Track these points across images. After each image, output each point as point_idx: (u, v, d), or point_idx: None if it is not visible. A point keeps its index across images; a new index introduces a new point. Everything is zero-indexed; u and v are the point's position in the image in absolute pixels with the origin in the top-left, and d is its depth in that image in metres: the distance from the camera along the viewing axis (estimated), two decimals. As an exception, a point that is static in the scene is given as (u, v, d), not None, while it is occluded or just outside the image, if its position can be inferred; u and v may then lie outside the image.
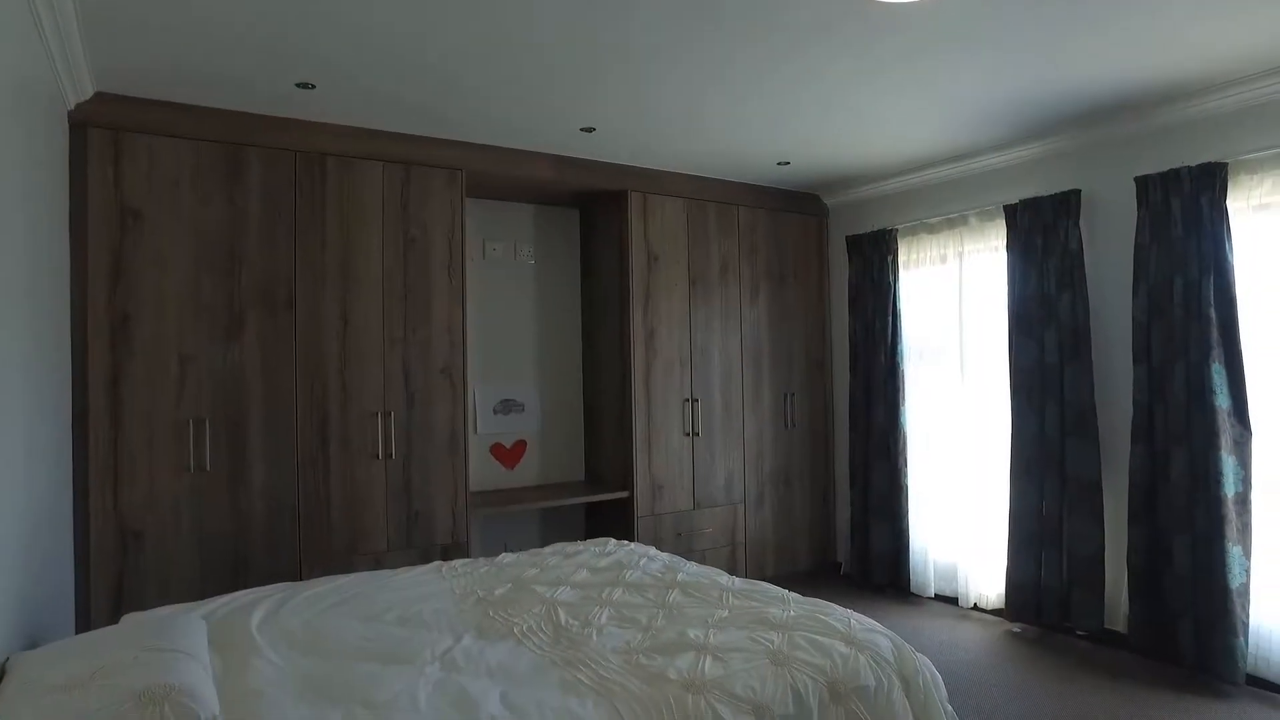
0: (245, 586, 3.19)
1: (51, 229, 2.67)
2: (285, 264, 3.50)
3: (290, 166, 3.52)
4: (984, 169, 4.34)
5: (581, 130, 3.82)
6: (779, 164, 4.49)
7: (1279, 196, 3.26)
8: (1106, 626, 3.79)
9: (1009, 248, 4.10)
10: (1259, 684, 3.30)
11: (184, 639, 1.93)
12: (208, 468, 3.29)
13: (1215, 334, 3.33)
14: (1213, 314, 3.34)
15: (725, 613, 2.37)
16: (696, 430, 4.64)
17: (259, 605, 2.48)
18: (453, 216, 3.92)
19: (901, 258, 4.76)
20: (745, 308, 4.89)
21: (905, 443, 4.71)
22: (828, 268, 5.31)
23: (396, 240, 3.77)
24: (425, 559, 3.73)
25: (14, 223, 2.08)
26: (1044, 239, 3.96)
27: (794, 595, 2.55)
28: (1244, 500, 3.29)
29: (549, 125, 3.73)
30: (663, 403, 4.54)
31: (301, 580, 3.21)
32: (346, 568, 3.55)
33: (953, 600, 4.52)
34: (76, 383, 3.08)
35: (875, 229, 4.86)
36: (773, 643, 2.13)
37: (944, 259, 4.55)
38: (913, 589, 4.68)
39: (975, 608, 4.39)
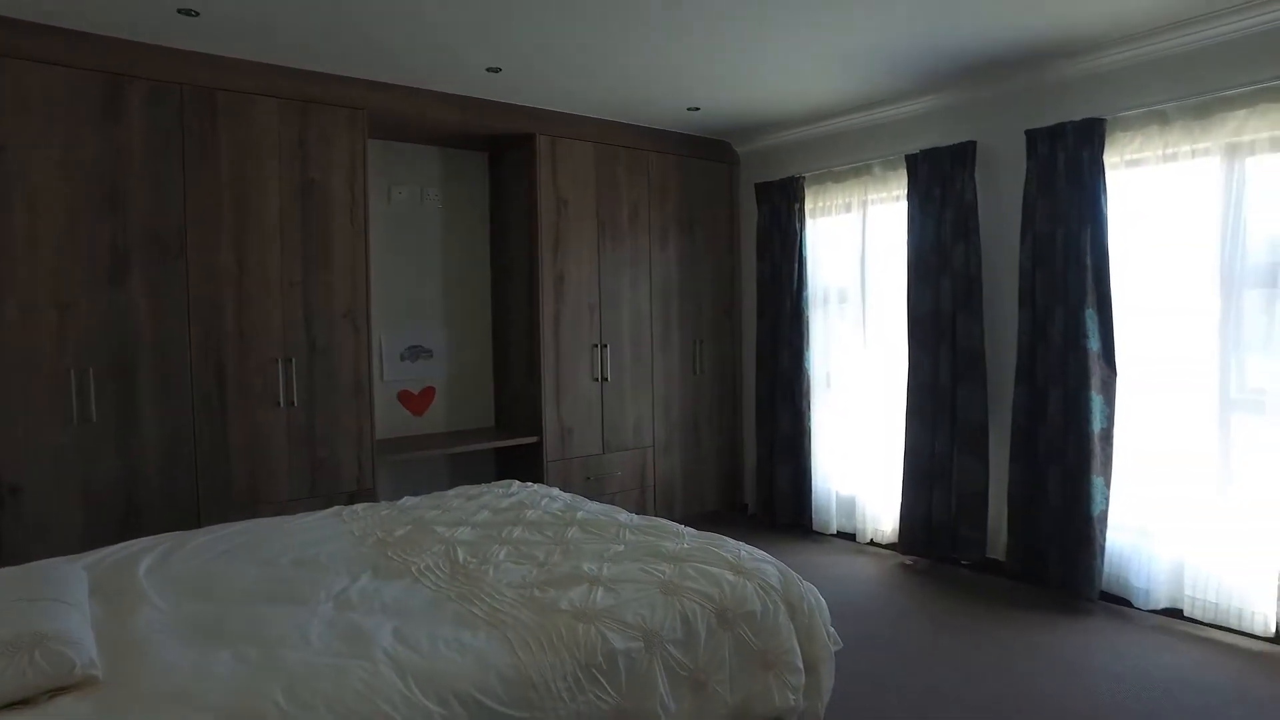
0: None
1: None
2: (174, 206, 3.34)
3: (177, 101, 3.34)
4: (887, 119, 4.44)
5: (488, 71, 3.74)
6: (689, 109, 4.50)
7: (1149, 153, 3.45)
8: (989, 556, 4.05)
9: (909, 197, 4.22)
10: (1111, 599, 3.62)
11: (61, 588, 1.89)
12: (93, 419, 3.17)
13: (1090, 281, 3.54)
14: (1089, 262, 3.54)
15: (621, 547, 2.44)
16: (606, 375, 4.69)
17: (147, 554, 2.43)
18: (354, 158, 3.80)
19: (808, 205, 4.85)
20: (655, 254, 4.92)
21: (809, 386, 4.86)
22: (737, 215, 5.37)
23: (295, 182, 3.64)
24: (330, 507, 3.69)
25: None
26: (942, 189, 4.10)
27: (689, 530, 2.64)
28: (1108, 436, 3.54)
29: (454, 65, 3.64)
30: (572, 348, 4.56)
31: (198, 529, 3.15)
32: (248, 518, 3.49)
33: (852, 536, 4.74)
34: (-59, 327, 2.91)
35: (783, 177, 4.93)
36: (664, 573, 2.21)
37: (849, 207, 4.66)
38: (815, 527, 4.88)
39: (872, 543, 4.63)
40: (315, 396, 3.71)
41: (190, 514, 3.38)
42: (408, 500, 3.17)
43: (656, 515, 4.75)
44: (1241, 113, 3.16)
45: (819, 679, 2.25)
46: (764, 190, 5.05)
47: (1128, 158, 3.51)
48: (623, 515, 2.83)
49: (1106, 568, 3.59)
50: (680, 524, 2.77)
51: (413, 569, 2.32)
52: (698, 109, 4.49)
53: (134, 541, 2.61)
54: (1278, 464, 3.10)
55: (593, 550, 2.42)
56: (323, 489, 3.75)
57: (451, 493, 3.28)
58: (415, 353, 4.54)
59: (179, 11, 2.96)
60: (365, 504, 3.17)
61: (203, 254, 3.40)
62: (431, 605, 2.05)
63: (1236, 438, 3.29)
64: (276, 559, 2.42)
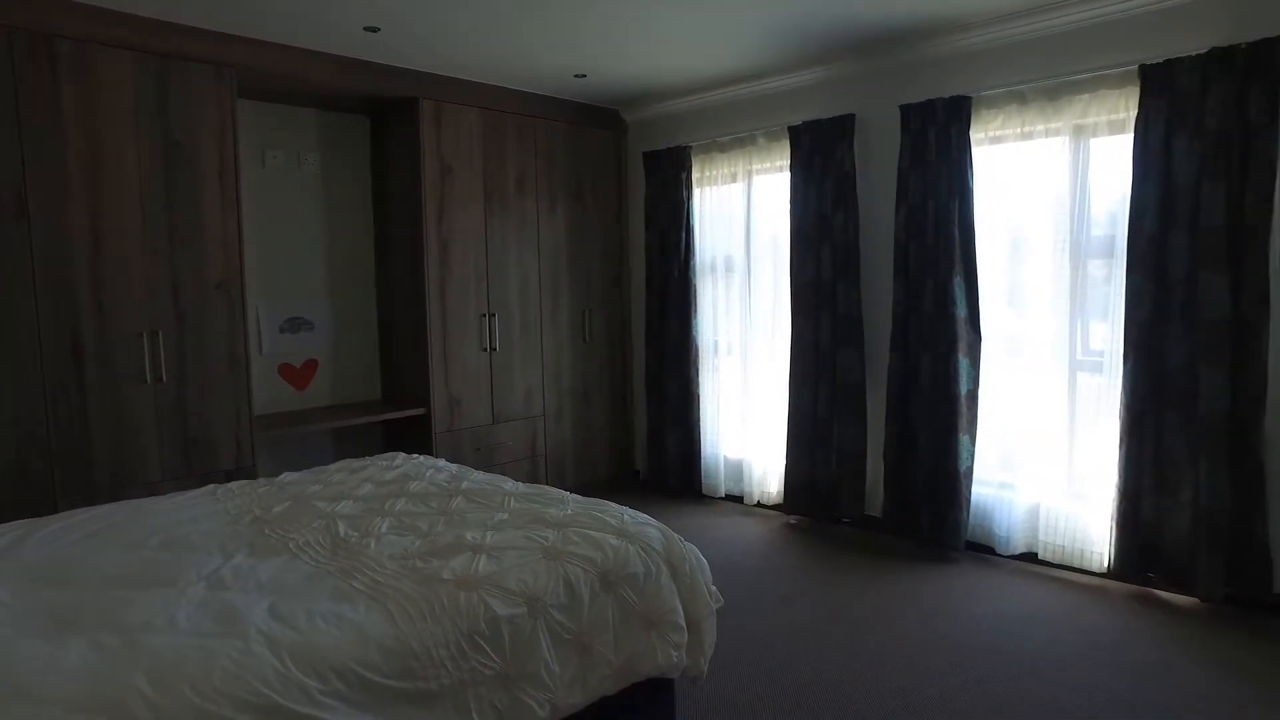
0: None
1: None
2: (11, 166, 3.07)
3: (6, 47, 3.05)
4: (771, 91, 4.53)
5: (366, 30, 3.60)
6: (576, 76, 4.46)
7: (1009, 130, 3.66)
8: (867, 514, 4.27)
9: (792, 167, 4.34)
10: (977, 548, 3.89)
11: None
12: (-71, 396, 2.92)
13: (958, 251, 3.74)
14: (956, 234, 3.74)
15: (505, 515, 2.45)
16: (494, 345, 4.65)
17: (-7, 542, 2.28)
18: (223, 119, 3.59)
19: (695, 175, 4.91)
20: (543, 222, 4.88)
21: (698, 354, 4.97)
22: (626, 183, 5.39)
23: (158, 144, 3.42)
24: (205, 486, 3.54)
25: None
26: (823, 160, 4.22)
27: (574, 496, 2.67)
28: (974, 396, 3.78)
29: (329, 22, 3.48)
30: (459, 318, 4.49)
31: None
32: (114, 501, 3.31)
33: (740, 499, 4.90)
34: None
35: (671, 146, 4.97)
36: (548, 539, 2.24)
37: (734, 177, 4.75)
38: (705, 491, 5.02)
39: (759, 504, 4.80)
40: (187, 371, 3.53)
41: (46, 499, 3.17)
42: (287, 476, 3.07)
43: (549, 484, 4.78)
44: (1085, 97, 3.40)
45: (701, 636, 2.33)
46: (652, 159, 5.08)
47: (991, 134, 3.72)
48: (508, 484, 2.84)
49: (971, 519, 3.85)
50: (569, 491, 2.80)
51: (291, 545, 2.26)
52: (585, 76, 4.45)
53: (-23, 530, 2.43)
54: (1112, 418, 3.39)
55: (477, 519, 2.42)
56: (198, 468, 3.58)
57: (334, 467, 3.20)
58: (296, 324, 4.37)
59: (12, -47, 2.72)
60: (242, 481, 3.05)
61: (51, 219, 3.16)
62: (310, 581, 2.01)
63: (1081, 395, 3.58)
64: (144, 541, 2.30)
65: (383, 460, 3.26)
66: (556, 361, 5.00)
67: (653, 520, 2.47)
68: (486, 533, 2.29)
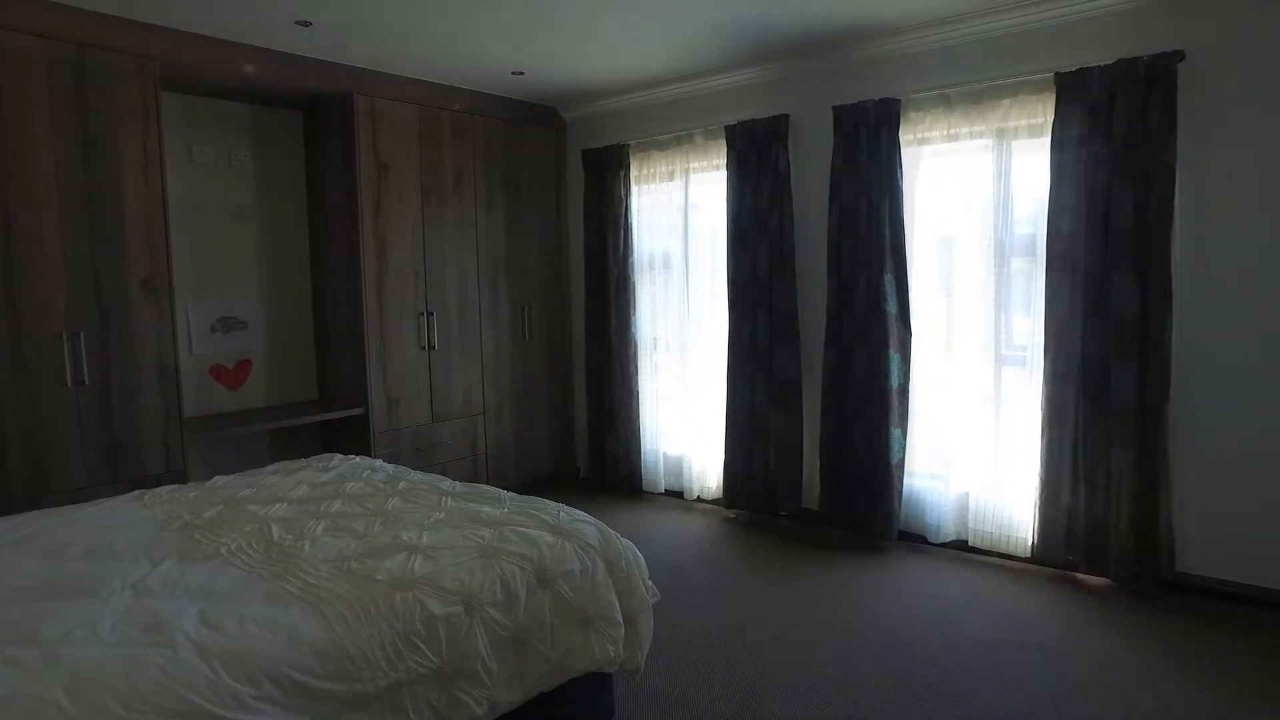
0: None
1: None
2: (-81, 159, 2.94)
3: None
4: (709, 90, 4.59)
5: (297, 24, 3.53)
6: (513, 74, 4.44)
7: (936, 132, 3.78)
8: (804, 506, 4.36)
9: (728, 166, 4.40)
10: (910, 537, 4.02)
11: None
12: None
13: (888, 249, 3.85)
14: (887, 232, 3.85)
15: (441, 515, 2.45)
16: (433, 344, 4.61)
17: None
18: (146, 112, 3.48)
19: (634, 173, 4.93)
20: (481, 221, 4.86)
21: (636, 351, 5.00)
22: (565, 181, 5.39)
23: (74, 136, 3.30)
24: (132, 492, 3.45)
25: None
26: (759, 159, 4.29)
27: (512, 495, 2.68)
28: (904, 390, 3.90)
29: (258, 13, 3.40)
30: (396, 316, 4.44)
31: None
32: (32, 510, 3.19)
33: (680, 494, 4.96)
34: None
35: (609, 144, 4.98)
36: (484, 538, 2.25)
37: (672, 175, 4.79)
38: (645, 487, 5.06)
39: (699, 499, 4.86)
40: (111, 373, 3.42)
41: (-40, 507, 3.05)
42: (219, 480, 3.01)
43: (490, 483, 4.77)
44: (1007, 101, 3.53)
45: (638, 630, 2.37)
46: (590, 157, 5.09)
47: (919, 136, 3.83)
48: (445, 483, 2.83)
49: (904, 509, 3.97)
50: (509, 490, 2.81)
51: (222, 550, 2.23)
52: (523, 73, 4.44)
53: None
54: (1034, 410, 3.54)
55: (413, 520, 2.41)
56: (125, 474, 3.48)
57: (268, 469, 3.14)
58: (228, 324, 4.27)
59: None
60: (171, 486, 2.98)
61: (-39, 217, 3.03)
62: (242, 586, 1.98)
63: (1006, 388, 3.72)
64: (63, 550, 2.24)
65: (319, 462, 3.22)
66: (496, 359, 4.99)
67: (589, 517, 2.50)
68: (423, 533, 2.29)
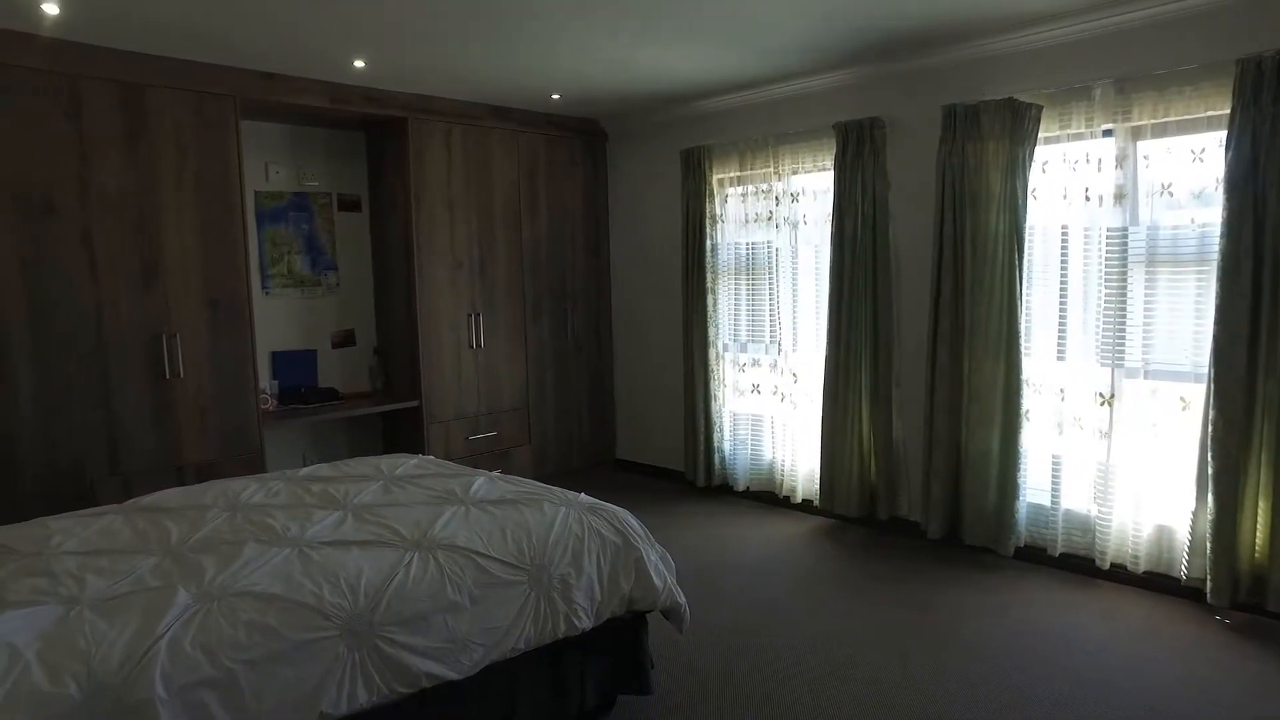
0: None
1: None
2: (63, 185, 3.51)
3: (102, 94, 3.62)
4: (804, 91, 4.51)
5: (355, 64, 3.99)
6: (553, 97, 4.84)
7: (1061, 130, 3.64)
8: (905, 515, 4.34)
9: (836, 165, 4.32)
10: (1025, 555, 3.91)
11: None
12: None
13: (1001, 250, 3.76)
14: (1001, 232, 3.76)
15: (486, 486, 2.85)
16: (481, 342, 5.07)
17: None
18: (230, 141, 4.00)
19: (716, 175, 4.99)
20: (526, 226, 5.28)
21: (724, 349, 5.13)
22: (606, 187, 5.77)
23: (187, 167, 3.88)
24: (239, 468, 4.01)
25: None
26: (857, 159, 4.24)
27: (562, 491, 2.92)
28: (1018, 396, 3.80)
29: (322, 56, 3.87)
30: (449, 316, 4.90)
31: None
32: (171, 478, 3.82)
33: (770, 495, 5.02)
34: None
35: (684, 148, 5.11)
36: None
37: (766, 176, 4.77)
38: (736, 487, 5.14)
39: (790, 502, 4.86)
40: (217, 364, 4.01)
41: (86, 490, 3.65)
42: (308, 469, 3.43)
43: (533, 472, 5.21)
44: (1156, 93, 3.36)
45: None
46: (683, 158, 5.13)
47: (1044, 135, 3.67)
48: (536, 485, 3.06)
49: (1021, 523, 3.87)
50: (550, 482, 3.08)
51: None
52: (559, 97, 4.83)
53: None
54: (1190, 428, 3.32)
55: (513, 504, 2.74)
56: (233, 451, 4.06)
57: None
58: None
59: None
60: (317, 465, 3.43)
61: (82, 230, 3.59)
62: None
63: (1132, 399, 3.58)
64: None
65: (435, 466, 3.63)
66: (539, 357, 5.41)
67: (613, 506, 2.77)
68: (523, 509, 2.70)
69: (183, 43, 3.60)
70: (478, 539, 2.38)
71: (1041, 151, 3.73)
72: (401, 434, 4.93)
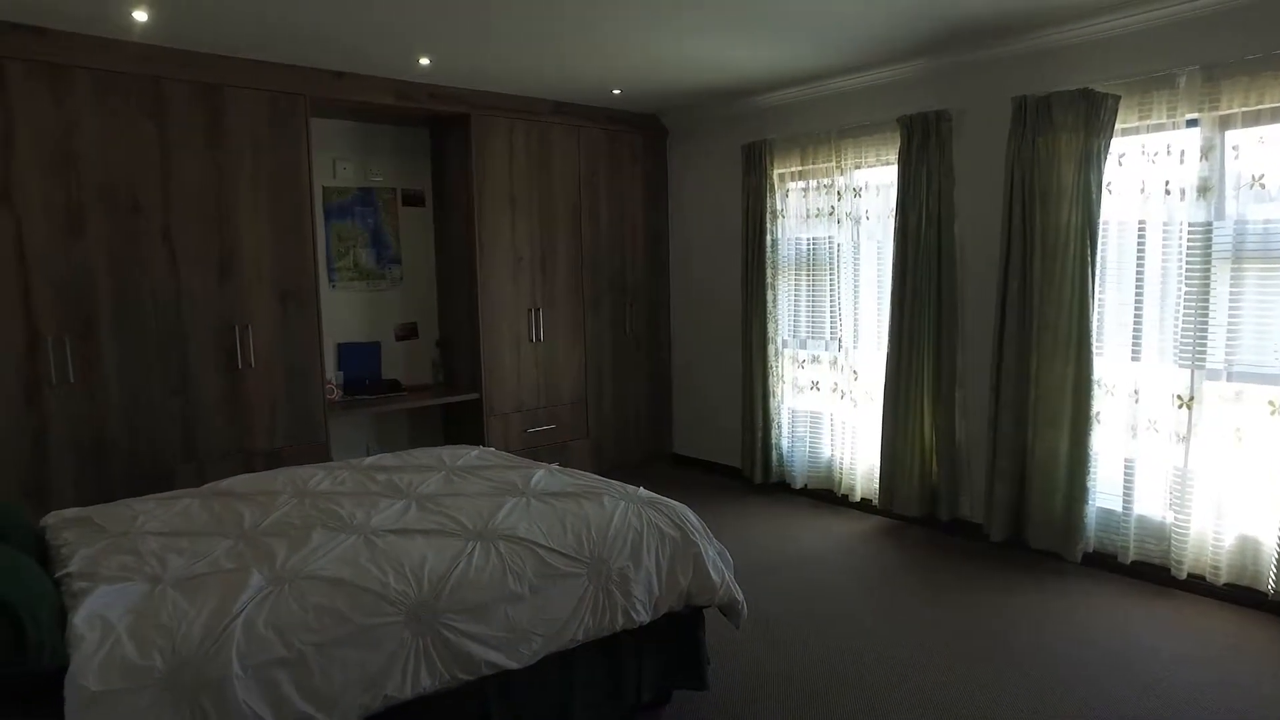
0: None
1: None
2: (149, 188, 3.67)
3: (182, 95, 3.78)
4: (867, 84, 4.47)
5: (421, 63, 4.07)
6: (613, 92, 4.85)
7: (1140, 120, 3.50)
8: (967, 516, 4.25)
9: (901, 159, 4.26)
10: (1094, 561, 3.79)
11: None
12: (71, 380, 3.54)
13: (1072, 246, 3.66)
14: (1074, 226, 3.65)
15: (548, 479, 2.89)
16: (540, 336, 5.12)
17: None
18: (300, 138, 4.12)
19: (777, 170, 4.94)
20: (585, 222, 5.31)
21: (783, 345, 5.08)
22: (665, 182, 5.77)
23: (260, 164, 4.01)
24: (305, 456, 4.14)
25: None
26: (922, 152, 4.16)
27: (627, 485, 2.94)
28: (1088, 396, 3.69)
29: (388, 57, 3.95)
30: (510, 310, 4.97)
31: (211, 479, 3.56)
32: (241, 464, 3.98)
33: (829, 494, 4.92)
34: None
35: (744, 143, 5.07)
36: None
37: (829, 171, 4.70)
38: (794, 485, 5.10)
39: (848, 500, 4.81)
40: (288, 354, 4.14)
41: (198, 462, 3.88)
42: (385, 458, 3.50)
43: (590, 465, 5.25)
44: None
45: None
46: (744, 153, 5.09)
47: (1121, 126, 3.55)
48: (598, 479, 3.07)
49: (1090, 528, 3.76)
50: (614, 477, 3.06)
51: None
52: (620, 91, 4.84)
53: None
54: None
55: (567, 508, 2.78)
56: (302, 439, 4.20)
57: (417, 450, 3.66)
58: (365, 317, 4.92)
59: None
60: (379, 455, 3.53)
61: (181, 232, 3.75)
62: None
63: (1212, 400, 3.43)
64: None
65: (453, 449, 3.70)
66: (598, 351, 5.45)
67: (671, 500, 2.77)
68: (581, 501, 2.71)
69: (258, 44, 3.72)
70: (538, 531, 2.40)
71: (1118, 144, 3.60)
72: (461, 426, 5.01)
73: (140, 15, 3.25)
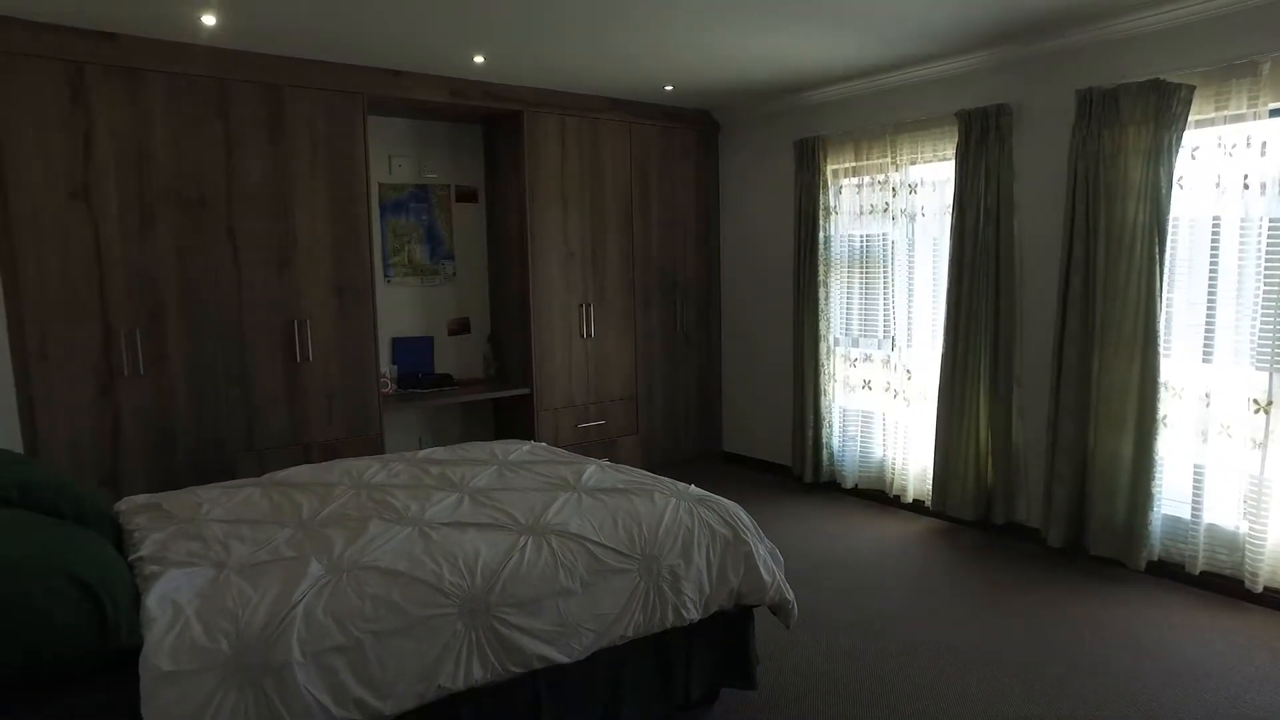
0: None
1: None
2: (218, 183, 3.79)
3: (246, 95, 3.83)
4: (923, 78, 4.42)
5: (476, 61, 4.11)
6: (665, 88, 4.84)
7: (1216, 112, 3.35)
8: (1023, 520, 4.17)
9: (957, 156, 4.17)
10: (1158, 570, 3.68)
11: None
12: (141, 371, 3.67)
13: (1139, 243, 3.56)
14: (1141, 223, 3.54)
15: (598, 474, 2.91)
16: (591, 332, 5.14)
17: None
18: (358, 136, 4.20)
19: (831, 166, 4.87)
20: (637, 219, 5.31)
21: (836, 343, 5.01)
22: (717, 179, 5.74)
23: (319, 161, 4.10)
24: (359, 448, 4.25)
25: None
26: (980, 147, 4.07)
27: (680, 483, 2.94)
28: (1154, 398, 3.57)
29: (443, 54, 4.00)
30: (561, 306, 5.00)
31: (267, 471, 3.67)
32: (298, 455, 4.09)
33: (881, 494, 4.86)
34: None
35: (797, 139, 5.03)
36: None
37: (883, 167, 4.62)
38: (845, 485, 5.05)
39: (900, 502, 4.74)
40: (331, 354, 4.20)
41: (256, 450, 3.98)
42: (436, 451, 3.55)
43: (639, 461, 5.26)
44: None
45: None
46: (796, 148, 5.05)
47: (1194, 118, 3.41)
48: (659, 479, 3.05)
49: (1155, 536, 3.63)
50: (663, 474, 3.09)
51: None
52: (672, 88, 4.83)
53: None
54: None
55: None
56: (356, 430, 4.28)
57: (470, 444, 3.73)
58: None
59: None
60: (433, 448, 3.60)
61: (247, 231, 3.86)
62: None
63: None
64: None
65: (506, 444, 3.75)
66: (648, 347, 5.45)
67: (720, 497, 2.77)
68: (632, 498, 2.75)
69: (319, 46, 3.80)
70: (590, 526, 2.41)
71: (1191, 136, 3.46)
72: (512, 420, 5.07)
73: (209, 19, 3.34)
